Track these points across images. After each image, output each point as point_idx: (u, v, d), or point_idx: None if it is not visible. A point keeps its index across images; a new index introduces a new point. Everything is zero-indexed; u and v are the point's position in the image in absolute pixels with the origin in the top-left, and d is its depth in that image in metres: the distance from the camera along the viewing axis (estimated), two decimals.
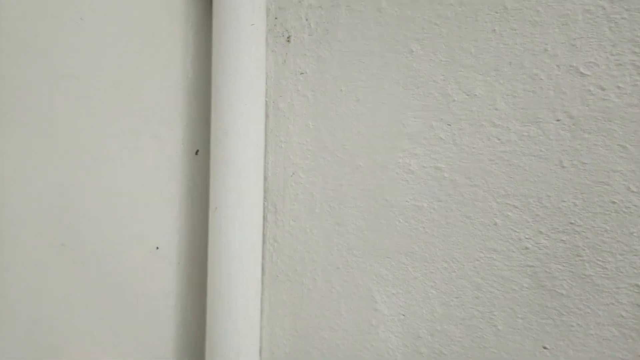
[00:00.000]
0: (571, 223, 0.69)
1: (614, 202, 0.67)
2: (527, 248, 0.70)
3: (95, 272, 0.86)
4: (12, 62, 0.67)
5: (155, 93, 0.89)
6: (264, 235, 0.91)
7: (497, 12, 0.71)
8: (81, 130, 0.74)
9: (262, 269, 0.91)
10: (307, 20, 0.88)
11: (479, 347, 0.72)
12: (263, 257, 0.91)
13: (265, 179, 0.90)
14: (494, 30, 0.71)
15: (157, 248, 0.91)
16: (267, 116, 0.90)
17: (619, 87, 0.66)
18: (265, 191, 0.91)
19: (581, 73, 0.68)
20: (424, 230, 0.76)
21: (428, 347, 0.76)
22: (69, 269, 0.82)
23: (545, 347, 0.70)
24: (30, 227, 0.69)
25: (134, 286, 0.88)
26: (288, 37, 0.89)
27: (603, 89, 0.67)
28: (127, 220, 0.87)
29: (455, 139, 0.74)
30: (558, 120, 0.69)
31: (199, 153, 0.96)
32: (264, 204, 0.91)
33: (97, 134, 0.83)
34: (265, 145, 0.91)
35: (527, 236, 0.70)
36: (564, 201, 0.69)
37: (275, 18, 0.91)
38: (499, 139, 0.71)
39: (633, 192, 0.66)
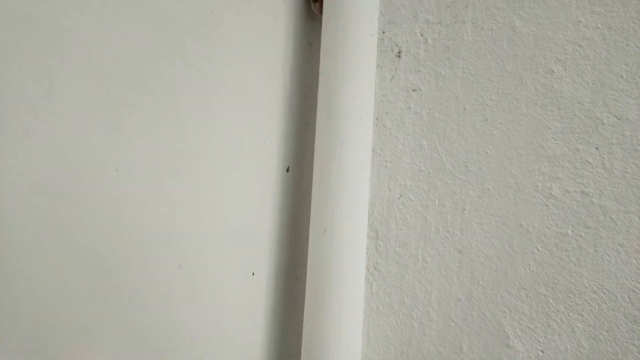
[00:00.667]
0: None
1: None
2: None
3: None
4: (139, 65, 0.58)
5: (250, 110, 0.80)
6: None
7: None
8: (179, 141, 0.65)
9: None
10: (422, 35, 0.83)
11: None
12: None
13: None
14: None
15: (253, 274, 0.80)
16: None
17: None
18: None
19: None
20: (568, 259, 0.72)
21: None
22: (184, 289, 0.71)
23: None
24: (145, 249, 0.59)
25: (229, 313, 0.77)
26: (398, 52, 0.85)
27: None
28: (223, 242, 0.77)
29: (604, 163, 0.71)
30: None
31: (289, 170, 0.88)
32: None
33: (196, 147, 0.73)
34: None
35: None
36: None
37: (383, 32, 0.86)
38: None
39: None
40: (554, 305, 0.72)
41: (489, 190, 0.77)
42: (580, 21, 0.73)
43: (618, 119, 0.71)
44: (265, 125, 0.83)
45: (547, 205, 0.73)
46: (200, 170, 0.70)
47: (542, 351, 0.72)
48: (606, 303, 0.70)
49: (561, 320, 0.72)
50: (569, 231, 0.72)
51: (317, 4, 0.87)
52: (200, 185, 0.71)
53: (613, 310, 0.69)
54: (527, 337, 0.73)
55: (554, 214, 0.73)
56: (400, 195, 0.83)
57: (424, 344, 0.80)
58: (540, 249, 0.73)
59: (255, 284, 0.81)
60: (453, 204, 0.79)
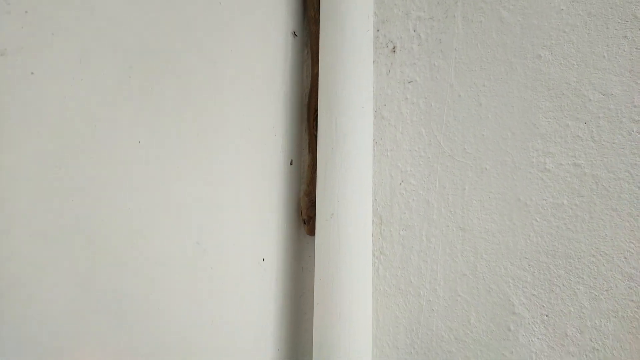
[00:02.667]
0: None
1: None
2: None
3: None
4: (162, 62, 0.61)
5: (257, 101, 0.84)
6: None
7: (627, 21, 0.77)
8: (190, 135, 0.68)
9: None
10: (415, 31, 0.89)
11: (636, 338, 0.72)
12: None
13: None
14: (626, 36, 0.77)
15: (264, 259, 0.82)
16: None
17: None
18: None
19: None
20: (565, 227, 0.77)
21: (578, 345, 0.74)
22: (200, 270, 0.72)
23: None
24: (160, 233, 0.60)
25: (241, 298, 0.79)
26: (393, 48, 0.90)
27: None
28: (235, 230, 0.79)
29: (593, 136, 0.77)
30: None
31: (292, 163, 0.91)
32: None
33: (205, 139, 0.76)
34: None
35: None
36: None
37: (378, 30, 0.92)
38: None
39: None
40: (555, 271, 0.76)
41: (486, 169, 0.82)
42: (562, 9, 0.80)
43: (603, 95, 0.77)
44: (270, 120, 0.87)
45: (542, 179, 0.79)
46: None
47: (546, 315, 0.76)
48: (604, 265, 0.74)
49: (563, 285, 0.76)
50: (565, 201, 0.77)
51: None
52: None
53: (611, 271, 0.74)
54: (532, 304, 0.77)
55: (550, 186, 0.78)
56: (402, 181, 0.87)
57: (432, 320, 0.82)
58: (538, 220, 0.78)
59: (266, 269, 0.83)
60: (453, 185, 0.84)
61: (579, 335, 0.74)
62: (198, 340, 0.68)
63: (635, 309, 0.72)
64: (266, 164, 0.86)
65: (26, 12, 0.47)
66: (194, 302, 0.67)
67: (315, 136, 0.93)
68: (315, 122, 0.93)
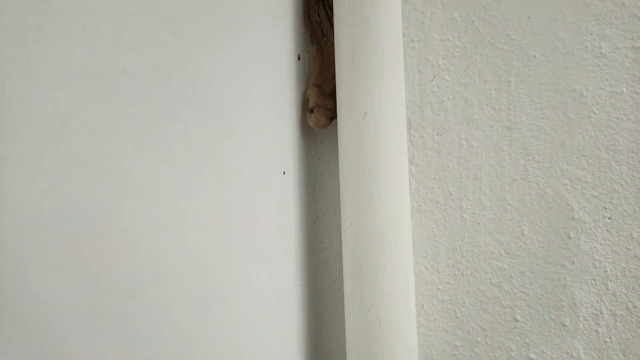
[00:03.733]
0: None
1: None
2: None
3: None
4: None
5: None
6: None
7: None
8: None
9: None
10: None
11: None
12: None
13: None
14: None
15: (284, 172, 0.65)
16: None
17: None
18: None
19: None
20: (626, 118, 0.69)
21: None
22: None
23: None
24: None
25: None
26: None
27: None
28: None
29: None
30: None
31: (300, 59, 0.73)
32: None
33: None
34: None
35: None
36: None
37: None
38: None
39: None
40: (617, 167, 0.68)
41: (535, 57, 0.71)
42: None
43: None
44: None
45: (598, 66, 0.69)
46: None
47: (609, 218, 0.68)
48: None
49: (626, 182, 0.68)
50: (624, 89, 0.69)
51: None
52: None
53: None
54: (593, 206, 0.69)
55: (607, 73, 0.69)
56: (434, 77, 0.73)
57: (478, 235, 0.71)
58: (596, 111, 0.69)
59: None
60: (496, 78, 0.72)
61: None
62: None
63: None
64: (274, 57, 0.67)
65: None
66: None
67: (319, 23, 0.75)
68: (317, 7, 0.75)
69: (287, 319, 0.68)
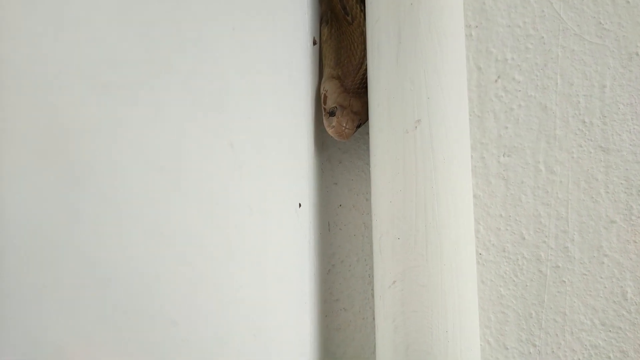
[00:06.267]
0: None
1: None
2: None
3: None
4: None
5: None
6: None
7: None
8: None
9: None
10: None
11: None
12: None
13: None
14: None
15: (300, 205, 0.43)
16: None
17: None
18: None
19: None
20: None
21: None
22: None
23: None
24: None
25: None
26: None
27: None
28: None
29: None
30: None
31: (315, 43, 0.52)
32: None
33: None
34: None
35: None
36: None
37: None
38: None
39: None
40: None
41: (637, 55, 0.52)
42: None
43: None
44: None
45: None
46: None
47: None
48: None
49: None
50: None
51: None
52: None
53: None
54: None
55: None
56: (499, 77, 0.54)
57: (563, 297, 0.51)
58: None
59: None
60: (586, 81, 0.53)
61: None
62: None
63: None
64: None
65: None
66: None
67: None
68: None
69: None
